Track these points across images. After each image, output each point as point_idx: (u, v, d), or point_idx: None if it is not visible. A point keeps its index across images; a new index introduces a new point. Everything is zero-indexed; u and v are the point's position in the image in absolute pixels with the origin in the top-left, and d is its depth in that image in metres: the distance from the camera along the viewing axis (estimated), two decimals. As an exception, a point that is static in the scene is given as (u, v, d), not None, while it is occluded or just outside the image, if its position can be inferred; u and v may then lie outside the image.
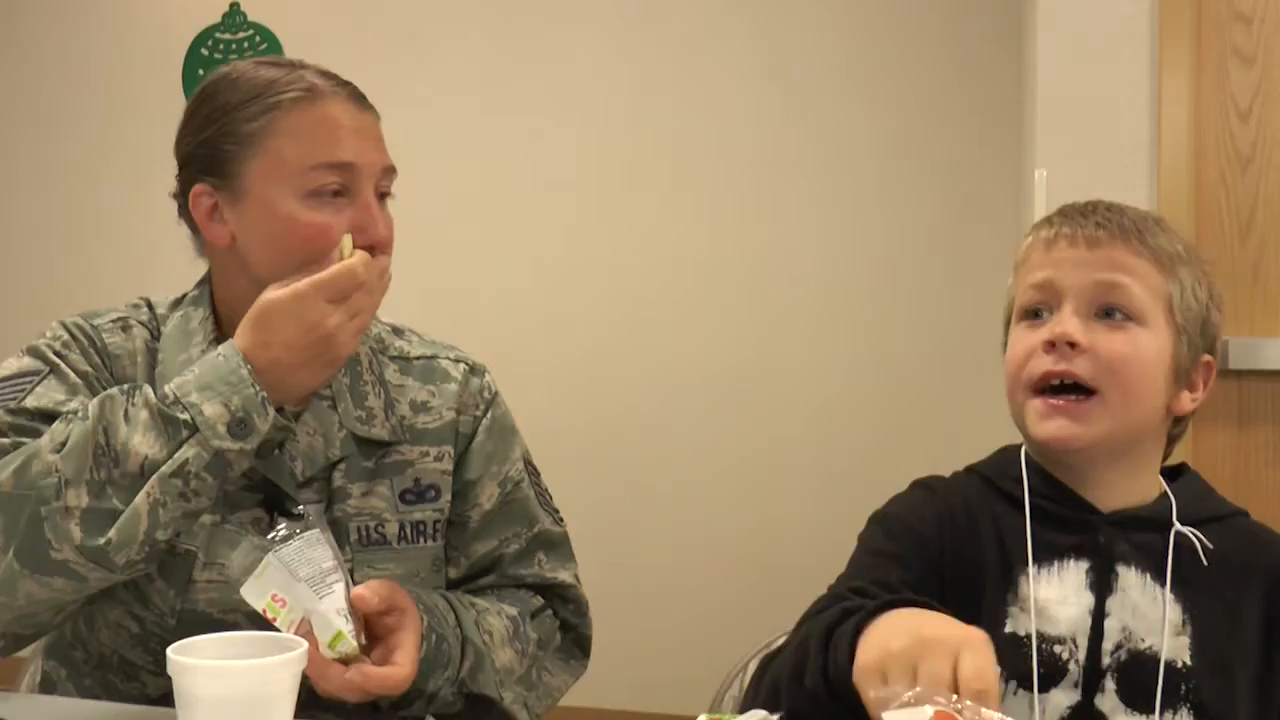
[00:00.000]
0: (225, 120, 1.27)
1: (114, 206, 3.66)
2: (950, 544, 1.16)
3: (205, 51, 3.61)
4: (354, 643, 1.11)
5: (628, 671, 3.13)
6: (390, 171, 1.30)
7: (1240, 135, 2.12)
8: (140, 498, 1.12)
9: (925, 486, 1.23)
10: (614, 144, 3.36)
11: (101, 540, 1.11)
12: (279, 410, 1.19)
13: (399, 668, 1.13)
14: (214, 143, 1.28)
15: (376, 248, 1.25)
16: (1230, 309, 2.13)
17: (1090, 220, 1.15)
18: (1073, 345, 1.11)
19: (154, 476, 1.12)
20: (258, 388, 1.15)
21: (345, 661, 1.11)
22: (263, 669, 0.93)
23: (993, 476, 1.21)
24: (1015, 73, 2.91)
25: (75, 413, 1.16)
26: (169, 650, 0.94)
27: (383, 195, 1.30)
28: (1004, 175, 2.96)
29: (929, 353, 3.14)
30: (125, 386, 1.17)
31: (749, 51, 3.27)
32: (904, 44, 3.16)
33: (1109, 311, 1.12)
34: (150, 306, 1.36)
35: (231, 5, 3.62)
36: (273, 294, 1.17)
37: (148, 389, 1.16)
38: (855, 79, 3.20)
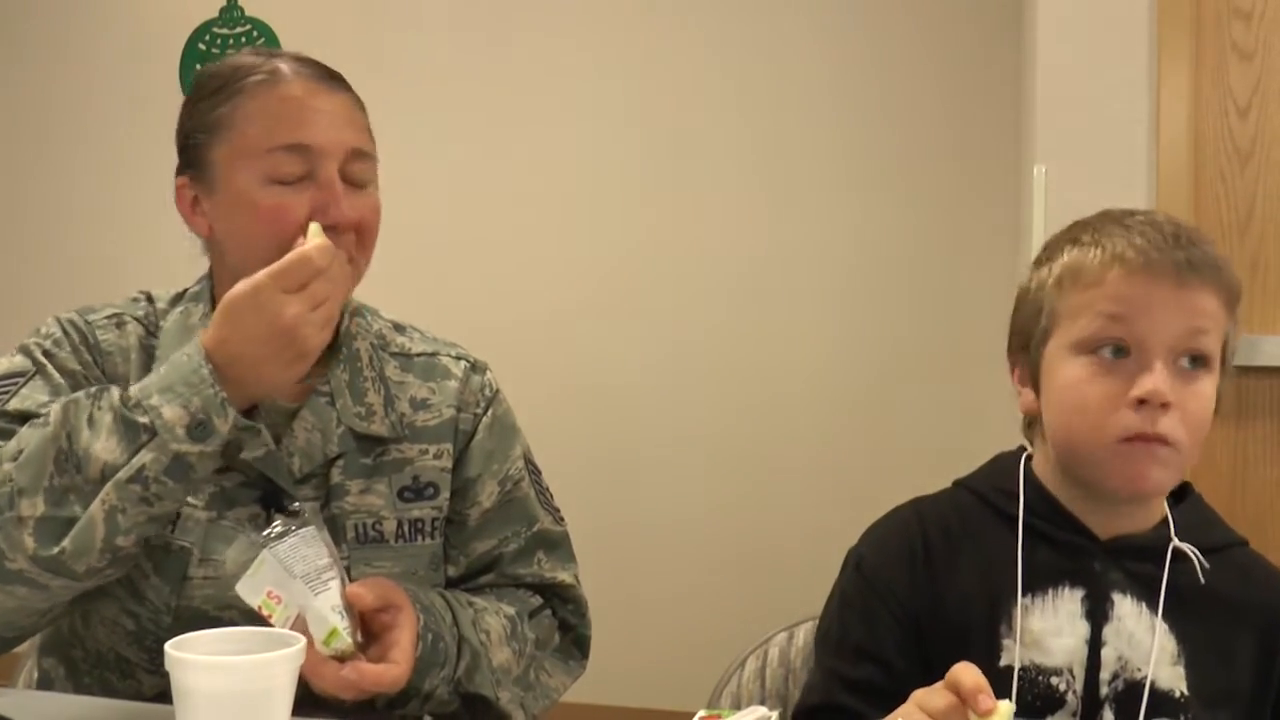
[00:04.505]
0: (196, 111, 1.29)
1: (111, 202, 3.66)
2: (926, 586, 1.15)
3: (203, 46, 3.60)
4: (349, 640, 1.10)
5: (625, 668, 3.13)
6: (360, 154, 1.27)
7: (1239, 131, 2.12)
8: (95, 505, 1.10)
9: (901, 519, 1.21)
10: (613, 139, 3.35)
11: (55, 549, 1.09)
12: (249, 411, 1.16)
13: (394, 665, 1.12)
14: (190, 134, 1.29)
15: (340, 228, 1.23)
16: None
17: (1178, 251, 1.07)
18: (1164, 405, 1.05)
19: (110, 483, 1.10)
20: (218, 388, 1.11)
21: (340, 659, 1.10)
22: (261, 664, 0.93)
23: (984, 491, 1.19)
24: (1014, 68, 2.91)
25: (41, 417, 1.14)
26: (166, 646, 0.93)
27: (357, 178, 1.27)
28: (1003, 171, 2.96)
29: (928, 348, 3.14)
30: (92, 389, 1.15)
31: (748, 46, 3.26)
32: (903, 38, 3.16)
33: (1187, 358, 1.08)
34: (151, 300, 1.35)
35: (229, 0, 3.62)
36: (235, 288, 1.15)
37: (115, 391, 1.14)
38: (854, 74, 3.20)
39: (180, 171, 1.30)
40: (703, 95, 3.29)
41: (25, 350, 1.26)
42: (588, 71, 3.36)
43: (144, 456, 1.10)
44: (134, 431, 1.11)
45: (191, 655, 0.92)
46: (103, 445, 1.10)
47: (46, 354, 1.25)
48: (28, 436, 1.13)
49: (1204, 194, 2.13)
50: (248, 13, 3.60)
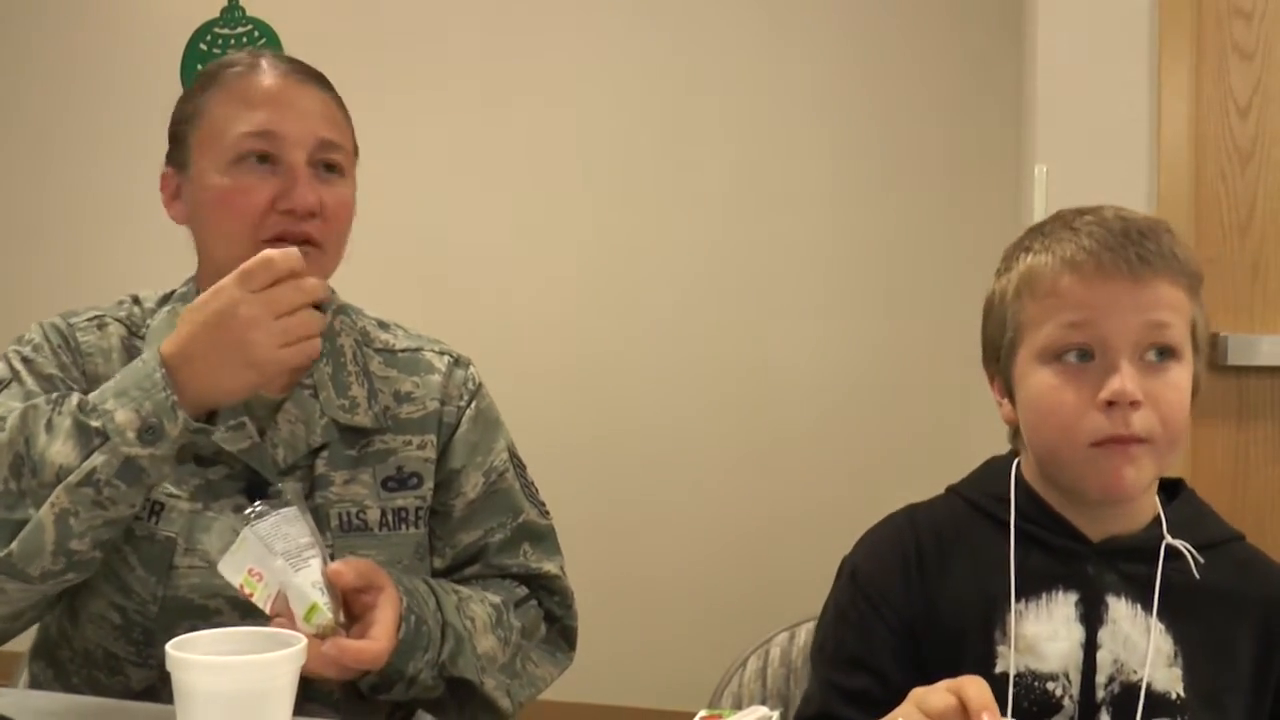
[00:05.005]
0: (182, 103, 1.34)
1: (112, 202, 3.66)
2: (920, 593, 1.14)
3: (204, 46, 3.61)
4: (329, 615, 1.10)
5: (627, 667, 3.14)
6: (330, 146, 1.29)
7: (1240, 131, 2.12)
8: (45, 508, 1.11)
9: (895, 526, 1.20)
10: (613, 140, 3.35)
11: (2, 553, 1.11)
12: (209, 417, 1.16)
13: (375, 642, 1.12)
14: (174, 125, 1.34)
15: (299, 213, 1.25)
16: (1229, 305, 2.13)
17: (1129, 247, 1.06)
18: (1133, 404, 1.04)
19: (60, 486, 1.11)
20: (169, 392, 1.11)
21: (321, 636, 1.10)
22: (262, 665, 0.93)
23: (976, 498, 1.18)
24: (1016, 68, 2.90)
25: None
26: (167, 646, 0.93)
27: (326, 169, 1.29)
28: (1004, 171, 2.96)
29: (927, 348, 3.14)
30: (53, 395, 1.17)
31: (749, 46, 3.26)
32: (905, 38, 3.16)
33: (1153, 351, 1.07)
34: (137, 302, 1.37)
35: (230, 0, 3.62)
36: (202, 294, 1.15)
37: (75, 397, 1.15)
38: (856, 73, 3.19)
39: (166, 162, 1.34)
40: (700, 94, 3.29)
41: (5, 358, 1.28)
42: (584, 71, 3.36)
43: (95, 460, 1.11)
44: (87, 435, 1.12)
45: (193, 655, 0.92)
46: (58, 449, 1.11)
47: (25, 360, 1.27)
48: None
49: (1204, 194, 2.13)
50: (249, 13, 3.60)
